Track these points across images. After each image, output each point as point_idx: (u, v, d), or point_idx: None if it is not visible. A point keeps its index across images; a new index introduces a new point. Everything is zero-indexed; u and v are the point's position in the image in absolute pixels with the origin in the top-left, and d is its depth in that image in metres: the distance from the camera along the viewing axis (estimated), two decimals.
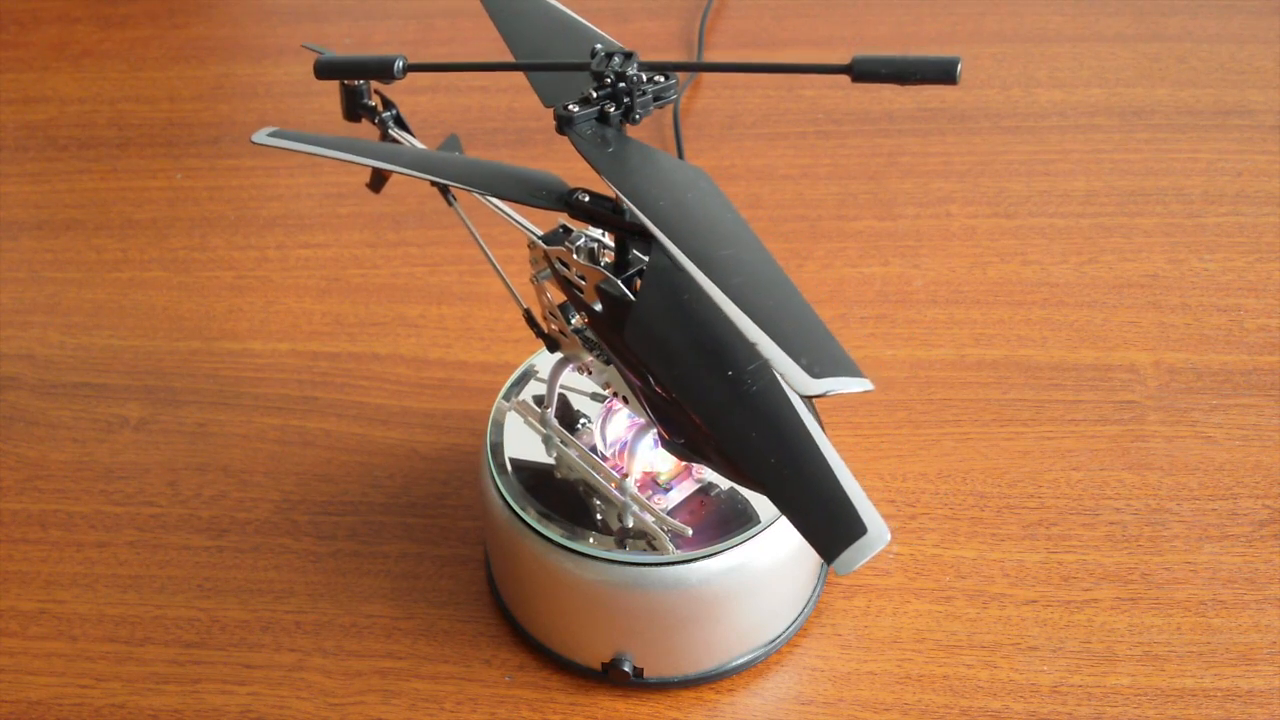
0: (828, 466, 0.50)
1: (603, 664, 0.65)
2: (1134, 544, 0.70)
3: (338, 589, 0.71)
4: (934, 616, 0.68)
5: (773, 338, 0.46)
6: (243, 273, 0.89)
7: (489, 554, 0.70)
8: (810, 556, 0.66)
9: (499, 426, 0.67)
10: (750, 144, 0.96)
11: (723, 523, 0.63)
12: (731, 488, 0.64)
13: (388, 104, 0.68)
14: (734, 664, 0.65)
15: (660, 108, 0.56)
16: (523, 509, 0.64)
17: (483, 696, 0.66)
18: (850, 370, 0.46)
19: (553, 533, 0.63)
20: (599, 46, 0.54)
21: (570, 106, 0.54)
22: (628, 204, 0.51)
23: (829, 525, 0.49)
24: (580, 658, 0.65)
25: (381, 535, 0.73)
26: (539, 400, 0.68)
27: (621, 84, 0.54)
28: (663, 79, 0.55)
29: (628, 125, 0.55)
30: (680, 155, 0.94)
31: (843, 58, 1.13)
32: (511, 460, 0.66)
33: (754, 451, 0.51)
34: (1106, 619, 0.67)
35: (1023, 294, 0.84)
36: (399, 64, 0.55)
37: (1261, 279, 0.84)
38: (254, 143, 0.62)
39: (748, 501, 0.63)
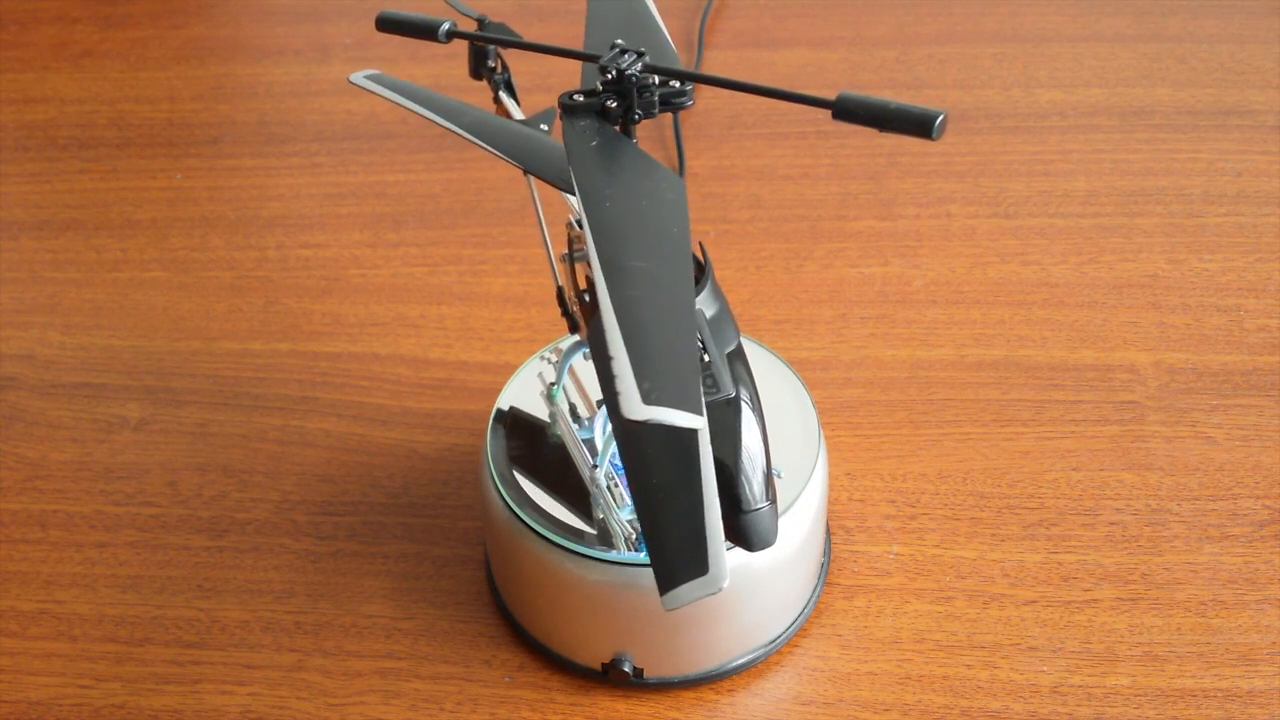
0: (700, 500, 0.49)
1: (603, 664, 0.65)
2: (1134, 544, 0.70)
3: (338, 589, 0.71)
4: (934, 617, 0.68)
5: (629, 354, 0.45)
6: (243, 273, 0.89)
7: (489, 554, 0.70)
8: (811, 557, 0.66)
9: (499, 426, 0.67)
10: (750, 144, 0.96)
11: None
12: None
13: (505, 67, 0.68)
14: (734, 664, 0.65)
15: (670, 112, 0.55)
16: (523, 509, 0.64)
17: (483, 697, 0.66)
18: (689, 406, 0.44)
19: (553, 533, 0.63)
20: (619, 41, 0.54)
21: (576, 96, 0.54)
22: (577, 196, 0.51)
23: (675, 556, 0.49)
24: (580, 658, 0.65)
25: (381, 535, 0.73)
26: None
27: (622, 82, 0.54)
28: (678, 84, 0.54)
29: (630, 124, 0.55)
30: (680, 155, 0.94)
31: (843, 58, 1.13)
32: (512, 460, 0.66)
33: (641, 465, 0.51)
34: (1106, 619, 0.67)
35: (1023, 294, 0.84)
36: (445, 28, 0.58)
37: (1261, 279, 0.84)
38: (351, 82, 0.64)
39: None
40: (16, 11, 1.13)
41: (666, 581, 0.49)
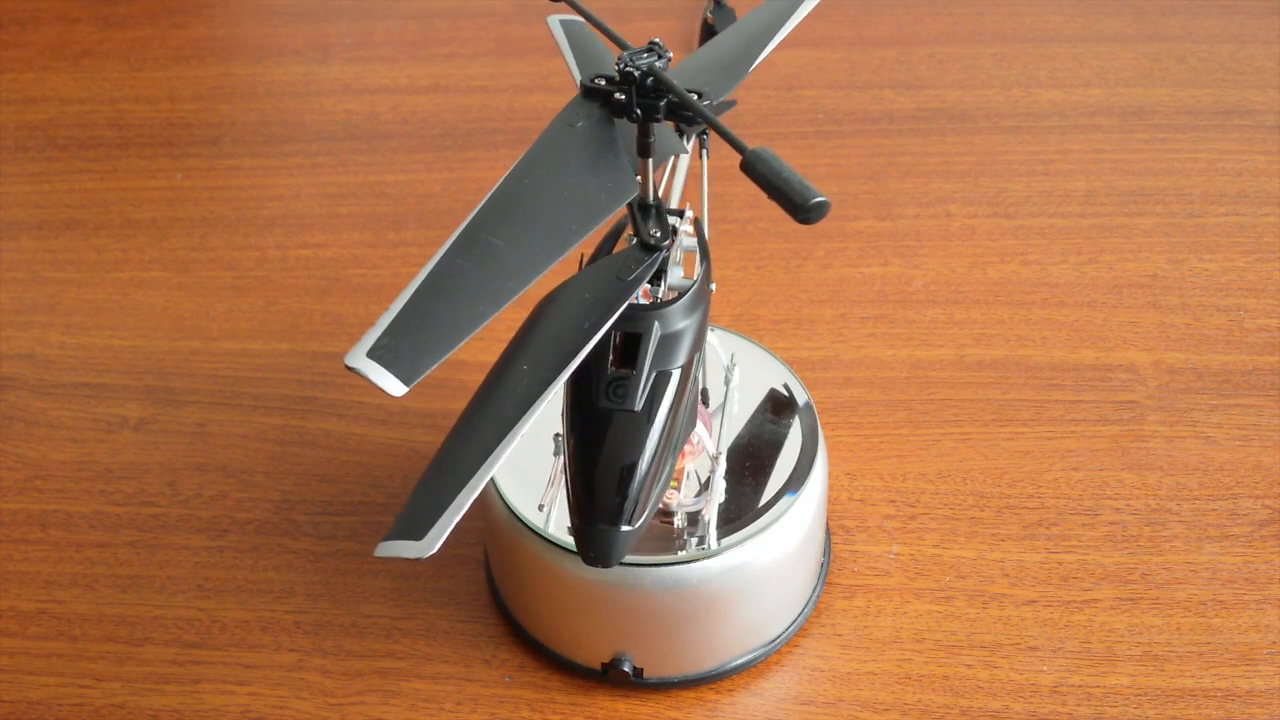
0: (466, 479, 0.49)
1: (603, 664, 0.65)
2: (1134, 544, 0.70)
3: (338, 589, 0.71)
4: (934, 616, 0.68)
5: (400, 314, 0.46)
6: (243, 273, 0.89)
7: (489, 554, 0.70)
8: (811, 557, 0.66)
9: None
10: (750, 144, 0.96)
11: (722, 523, 0.63)
12: (727, 490, 0.64)
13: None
14: (734, 664, 0.65)
15: (678, 122, 0.55)
16: (523, 509, 0.64)
17: (483, 696, 0.66)
18: (403, 375, 0.45)
19: (552, 533, 0.63)
20: (657, 40, 0.55)
21: (598, 79, 0.54)
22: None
23: (412, 512, 0.49)
24: (580, 658, 0.65)
25: (381, 535, 0.73)
26: None
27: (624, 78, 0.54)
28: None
29: (639, 122, 0.55)
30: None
31: (843, 58, 1.12)
32: (512, 460, 0.66)
33: (462, 422, 0.52)
34: (1106, 619, 0.67)
35: (1023, 294, 0.84)
36: None
37: (1261, 279, 0.84)
38: (547, 22, 0.64)
39: (745, 503, 0.63)
40: (16, 11, 1.13)
41: (393, 532, 0.49)
